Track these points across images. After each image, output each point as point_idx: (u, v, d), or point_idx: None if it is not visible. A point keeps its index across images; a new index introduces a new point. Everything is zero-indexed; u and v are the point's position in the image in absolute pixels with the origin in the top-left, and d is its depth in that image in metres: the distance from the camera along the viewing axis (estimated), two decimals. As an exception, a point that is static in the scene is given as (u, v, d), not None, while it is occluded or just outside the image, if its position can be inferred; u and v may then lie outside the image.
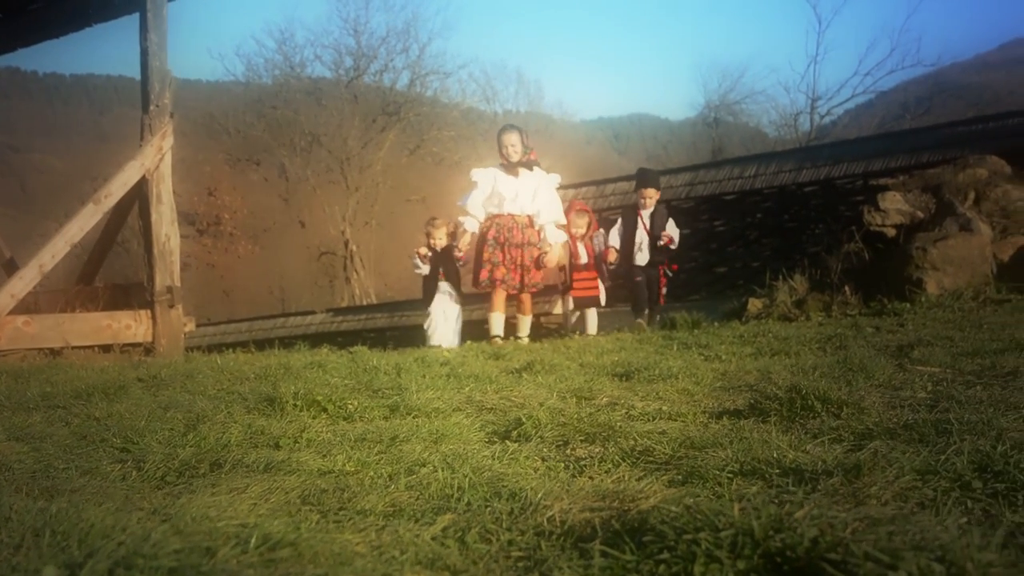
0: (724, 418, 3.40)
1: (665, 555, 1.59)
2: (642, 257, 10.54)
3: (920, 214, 11.65)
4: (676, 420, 3.41)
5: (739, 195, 16.69)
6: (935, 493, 2.10)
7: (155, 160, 10.22)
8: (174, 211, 10.51)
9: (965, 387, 3.97)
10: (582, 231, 10.56)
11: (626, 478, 2.30)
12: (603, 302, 10.64)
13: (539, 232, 9.63)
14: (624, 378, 5.01)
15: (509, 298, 9.71)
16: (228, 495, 2.32)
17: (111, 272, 19.10)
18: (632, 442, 2.81)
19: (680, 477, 2.40)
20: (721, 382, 4.62)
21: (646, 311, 10.59)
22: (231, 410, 3.91)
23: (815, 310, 10.85)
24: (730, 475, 2.35)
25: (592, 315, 10.52)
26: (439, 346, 9.40)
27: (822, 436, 2.83)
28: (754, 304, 11.82)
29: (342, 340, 16.99)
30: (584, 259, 10.50)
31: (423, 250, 10.30)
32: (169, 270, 10.36)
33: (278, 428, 3.44)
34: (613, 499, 1.94)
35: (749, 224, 16.73)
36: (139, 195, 10.39)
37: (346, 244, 37.09)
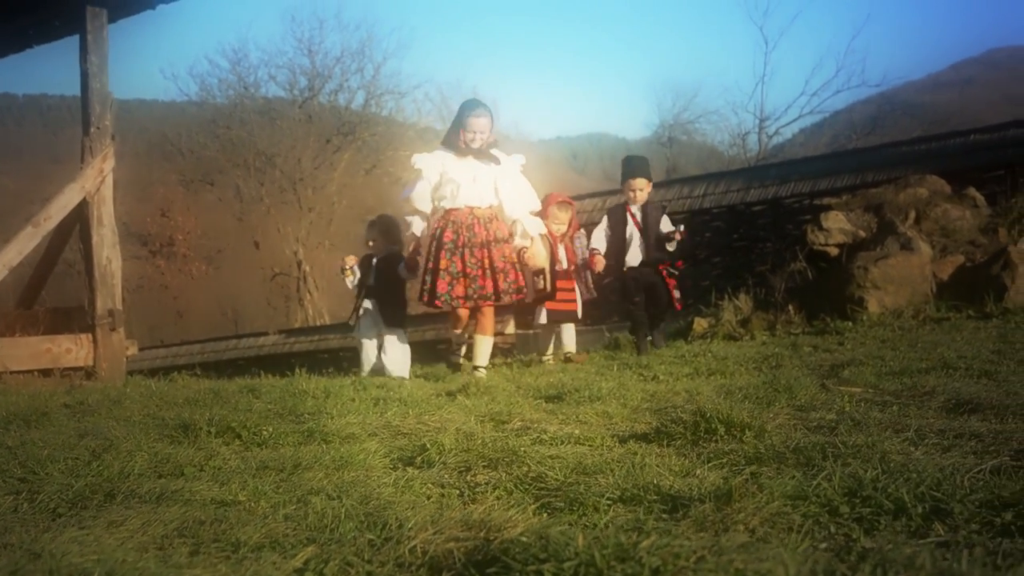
0: (630, 442, 3.42)
1: (510, 586, 1.61)
2: (634, 256, 8.80)
3: (862, 233, 11.79)
4: (583, 445, 3.42)
5: (688, 214, 16.83)
6: (803, 519, 2.13)
7: (96, 182, 10.12)
8: (115, 234, 10.41)
9: (880, 408, 4.03)
10: (563, 228, 8.85)
11: (497, 507, 2.31)
12: (579, 315, 8.95)
13: (512, 226, 7.85)
14: (555, 400, 5.02)
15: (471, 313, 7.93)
16: (105, 528, 2.30)
17: (62, 294, 18.89)
18: (526, 468, 2.82)
19: (562, 504, 2.41)
20: (648, 404, 4.65)
21: (649, 340, 9.01)
22: (142, 437, 3.87)
23: (759, 329, 10.94)
24: (609, 502, 2.37)
25: (570, 331, 8.91)
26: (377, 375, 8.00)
27: (715, 460, 2.86)
28: (699, 323, 11.90)
29: (295, 361, 16.95)
30: (564, 264, 8.77)
31: (348, 260, 8.59)
32: (111, 293, 10.27)
33: (185, 456, 3.42)
34: (480, 528, 1.95)
35: (698, 243, 16.86)
36: (80, 218, 10.30)
37: (299, 265, 37.04)
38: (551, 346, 9.03)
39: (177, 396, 5.93)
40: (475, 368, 7.84)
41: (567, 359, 8.57)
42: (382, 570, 1.85)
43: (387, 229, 8.51)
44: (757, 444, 2.96)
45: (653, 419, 3.97)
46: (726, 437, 3.23)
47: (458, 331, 8.07)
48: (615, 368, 7.34)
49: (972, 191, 12.10)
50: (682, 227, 8.73)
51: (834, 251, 11.78)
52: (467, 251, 7.60)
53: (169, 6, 10.46)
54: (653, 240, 8.71)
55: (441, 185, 7.74)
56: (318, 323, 31.12)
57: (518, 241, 7.84)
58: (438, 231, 7.72)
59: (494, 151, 7.83)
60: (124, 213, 36.06)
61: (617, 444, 3.43)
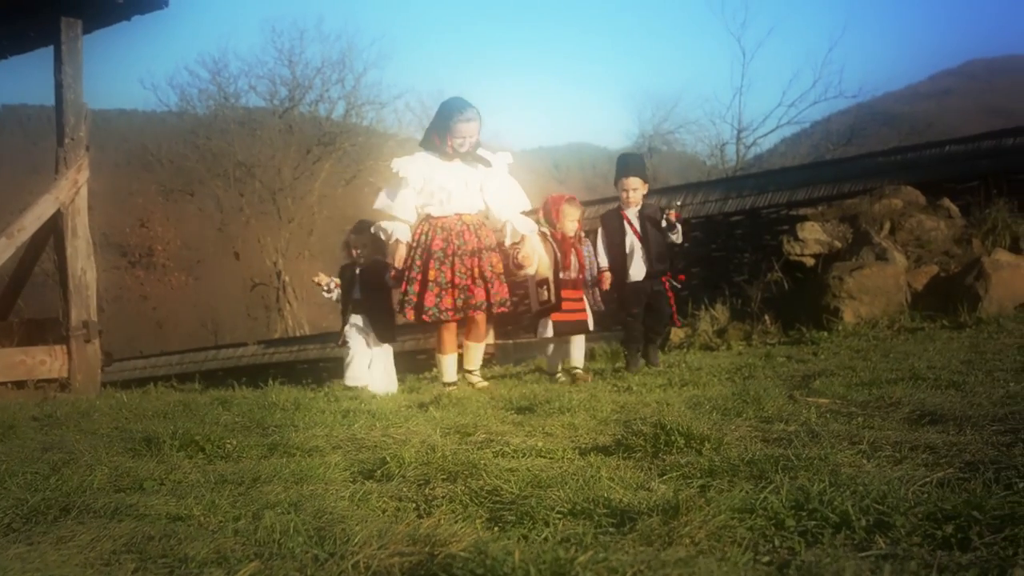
0: (591, 454, 3.42)
1: (446, 602, 1.61)
2: (637, 270, 7.93)
3: (838, 244, 11.87)
4: (544, 457, 3.42)
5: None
6: (749, 532, 2.14)
7: (70, 194, 10.10)
8: (90, 245, 10.40)
9: (846, 419, 4.04)
10: (575, 225, 7.97)
11: (444, 522, 2.31)
12: (591, 327, 8.08)
13: (502, 228, 7.34)
14: (525, 411, 5.02)
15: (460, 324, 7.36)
16: (53, 544, 2.29)
17: (42, 304, 18.78)
18: (483, 482, 2.82)
19: (513, 518, 2.42)
20: (617, 415, 4.64)
21: (640, 357, 8.16)
22: (104, 451, 3.86)
23: (736, 339, 11.00)
24: (559, 515, 2.37)
25: (580, 344, 8.09)
26: (358, 387, 7.44)
27: (670, 473, 2.87)
28: (676, 334, 11.96)
29: (274, 372, 16.90)
30: (574, 271, 7.87)
31: (321, 278, 8.04)
32: (85, 304, 10.24)
33: (146, 470, 3.41)
34: (425, 543, 1.95)
35: (676, 254, 16.85)
36: (54, 229, 10.28)
37: (279, 275, 37.01)
38: (559, 362, 8.12)
39: (147, 408, 5.91)
40: (467, 372, 7.39)
41: (573, 376, 7.76)
42: (324, 586, 1.85)
43: (376, 237, 7.70)
44: (713, 457, 2.97)
45: (618, 431, 3.97)
46: (685, 449, 3.24)
47: (446, 356, 7.35)
48: (589, 379, 7.35)
49: (946, 202, 12.18)
50: (678, 203, 8.07)
51: (810, 261, 11.87)
52: (457, 259, 7.08)
53: (145, 17, 10.47)
54: (655, 250, 7.88)
55: (427, 192, 7.19)
56: (298, 333, 31.06)
57: (508, 242, 7.30)
58: (424, 238, 7.18)
59: (481, 151, 7.29)
60: (103, 223, 35.98)
61: (578, 456, 3.43)
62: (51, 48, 10.46)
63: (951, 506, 2.10)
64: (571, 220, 7.86)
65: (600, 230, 8.15)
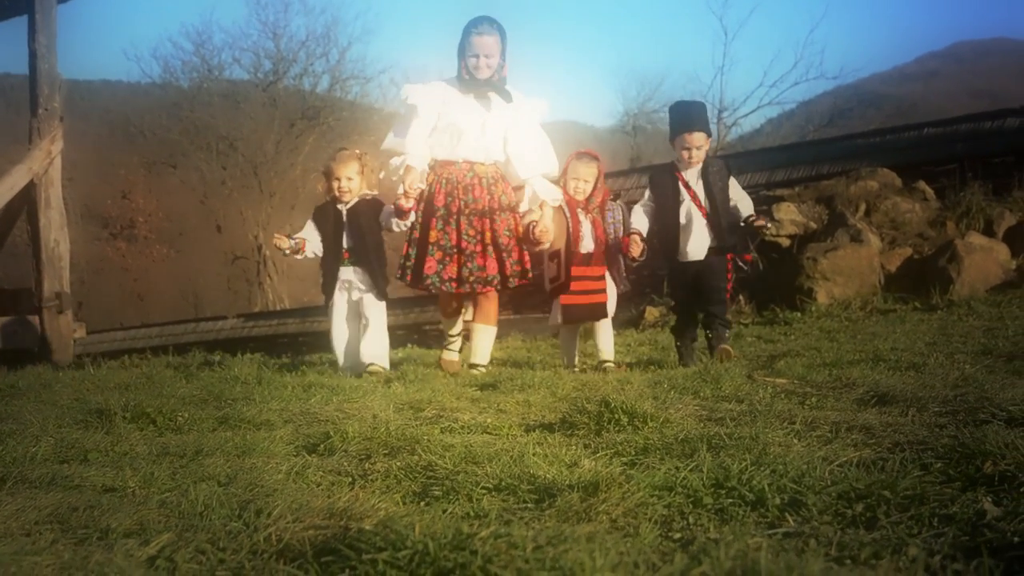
0: (536, 431, 3.46)
1: (346, 574, 1.64)
2: (697, 246, 6.27)
3: (813, 225, 11.91)
4: (488, 434, 3.45)
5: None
6: (667, 509, 2.17)
7: (43, 164, 10.06)
8: (63, 216, 10.37)
9: (800, 399, 4.06)
10: (588, 188, 6.42)
11: (362, 495, 2.31)
12: (611, 312, 6.57)
13: (523, 191, 6.24)
14: (487, 388, 5.04)
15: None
16: (-26, 514, 2.29)
17: (18, 275, 18.70)
18: (419, 457, 2.84)
19: (440, 493, 2.45)
20: (576, 393, 4.65)
21: (694, 349, 6.67)
22: (56, 422, 3.87)
23: (710, 319, 11.04)
24: (484, 491, 2.40)
25: (607, 331, 6.54)
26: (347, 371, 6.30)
27: (604, 451, 2.90)
28: (651, 313, 12.00)
29: (253, 346, 16.86)
30: (589, 243, 6.34)
31: (280, 241, 6.31)
32: (58, 276, 10.23)
33: (92, 441, 3.42)
34: (341, 517, 1.97)
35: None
36: (27, 200, 10.25)
37: (259, 249, 36.96)
38: (576, 349, 6.79)
39: (110, 380, 5.91)
40: (471, 366, 6.24)
41: (603, 368, 6.30)
42: (234, 557, 1.87)
43: (367, 167, 6.43)
44: (650, 435, 3.00)
45: (570, 408, 3.99)
46: (628, 427, 3.27)
47: (451, 320, 6.41)
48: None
49: (922, 184, 12.23)
50: (758, 217, 6.45)
51: (785, 242, 11.90)
52: (463, 219, 6.02)
53: (121, -13, 10.42)
54: (723, 221, 6.31)
55: (437, 129, 6.09)
56: (278, 307, 31.02)
57: (524, 209, 6.21)
58: (427, 190, 6.09)
59: (510, 88, 6.20)
60: (85, 195, 35.85)
61: (522, 433, 3.46)
62: (11, 20, 10.45)
63: (864, 486, 2.12)
64: (574, 178, 6.40)
65: (648, 189, 6.58)
